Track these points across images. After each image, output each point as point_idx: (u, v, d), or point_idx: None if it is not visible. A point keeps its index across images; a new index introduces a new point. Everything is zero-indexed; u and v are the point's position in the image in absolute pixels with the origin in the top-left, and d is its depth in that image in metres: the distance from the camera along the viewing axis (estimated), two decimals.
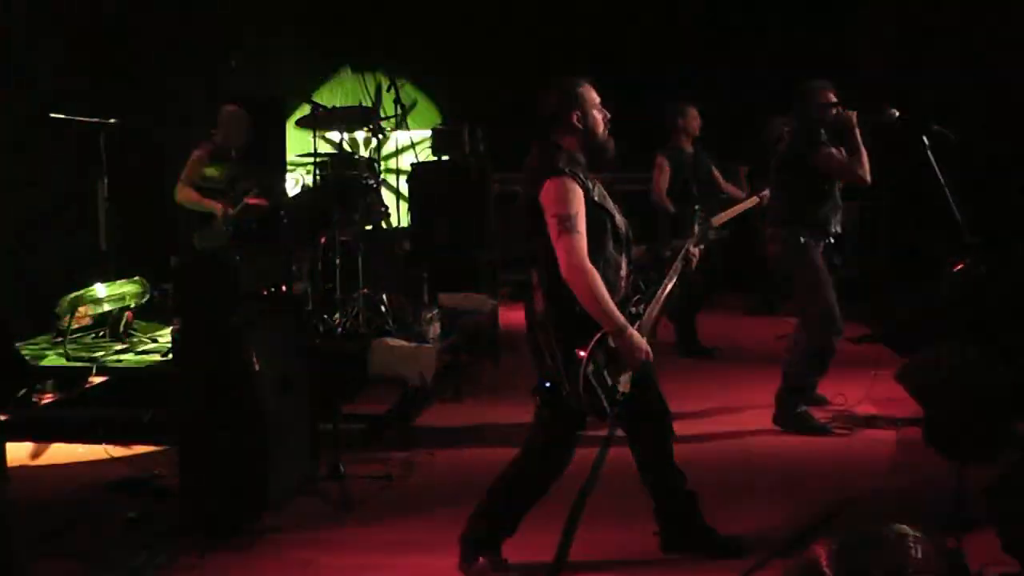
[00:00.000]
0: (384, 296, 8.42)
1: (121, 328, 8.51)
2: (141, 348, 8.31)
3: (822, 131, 7.85)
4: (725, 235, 10.31)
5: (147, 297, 8.94)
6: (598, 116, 5.34)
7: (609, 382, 5.17)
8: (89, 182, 9.29)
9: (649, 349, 5.25)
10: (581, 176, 5.18)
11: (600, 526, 6.18)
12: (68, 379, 8.36)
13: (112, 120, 8.97)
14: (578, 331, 5.12)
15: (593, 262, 5.11)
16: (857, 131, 7.75)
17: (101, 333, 8.61)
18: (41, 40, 9.73)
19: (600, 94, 5.40)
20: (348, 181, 8.67)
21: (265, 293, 6.44)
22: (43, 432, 7.66)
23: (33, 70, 9.54)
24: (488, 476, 5.68)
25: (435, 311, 8.80)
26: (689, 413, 8.30)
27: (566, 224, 5.06)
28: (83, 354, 8.09)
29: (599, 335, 5.11)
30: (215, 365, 6.05)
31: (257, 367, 6.02)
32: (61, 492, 6.75)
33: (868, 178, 7.80)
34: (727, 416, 8.50)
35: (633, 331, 5.17)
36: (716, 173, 10.86)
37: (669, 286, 5.67)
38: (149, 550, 5.68)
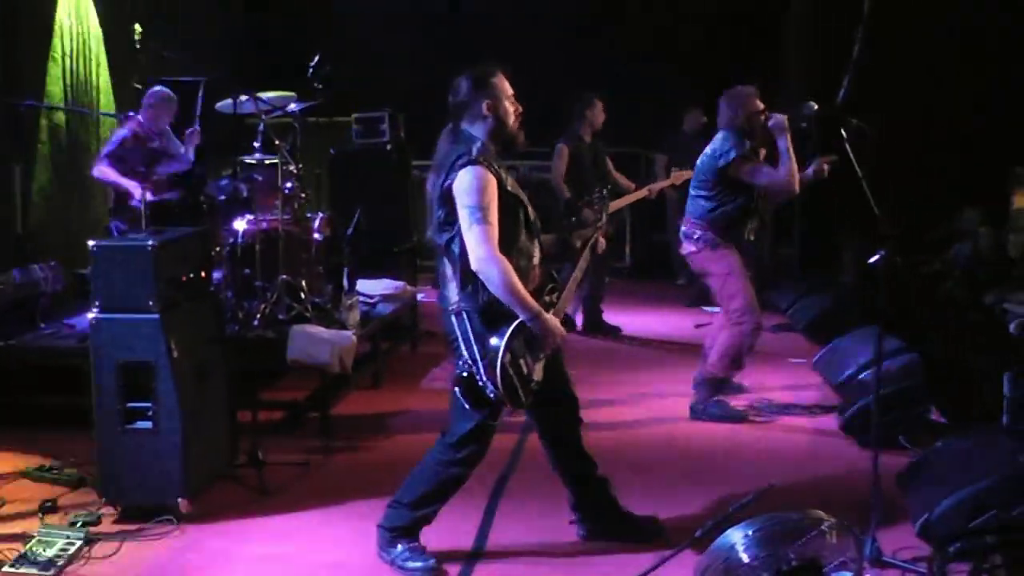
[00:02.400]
0: (303, 282, 8.37)
1: (37, 314, 8.39)
2: (57, 334, 8.20)
3: (747, 142, 7.88)
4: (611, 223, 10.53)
5: (64, 282, 8.83)
6: (509, 107, 5.34)
7: (525, 371, 5.19)
8: (5, 164, 9.15)
9: (563, 330, 5.33)
10: (494, 166, 5.19)
11: (519, 513, 6.22)
12: None
13: (29, 102, 8.84)
14: (493, 321, 5.14)
15: (507, 251, 5.13)
16: (787, 137, 7.77)
17: (17, 319, 8.48)
18: None
19: (513, 86, 5.41)
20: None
21: (184, 279, 6.38)
22: None
23: None
24: (406, 464, 5.68)
25: (355, 298, 8.76)
26: (608, 401, 8.36)
27: (477, 215, 5.06)
28: None
29: (515, 324, 5.13)
30: (133, 351, 6.00)
31: (175, 354, 5.98)
32: None
33: (796, 188, 7.86)
34: (645, 403, 8.55)
35: (548, 315, 5.22)
36: (610, 165, 11.02)
37: (580, 274, 5.72)
38: (65, 538, 5.61)
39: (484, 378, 5.11)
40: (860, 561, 4.92)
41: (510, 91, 5.36)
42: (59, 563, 5.40)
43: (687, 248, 8.10)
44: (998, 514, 5.16)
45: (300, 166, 8.77)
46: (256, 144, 8.68)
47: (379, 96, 12.19)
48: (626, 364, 9.95)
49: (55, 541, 5.58)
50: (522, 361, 5.18)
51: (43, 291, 8.50)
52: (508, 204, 5.21)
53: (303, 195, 8.76)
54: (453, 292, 5.26)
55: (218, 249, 8.11)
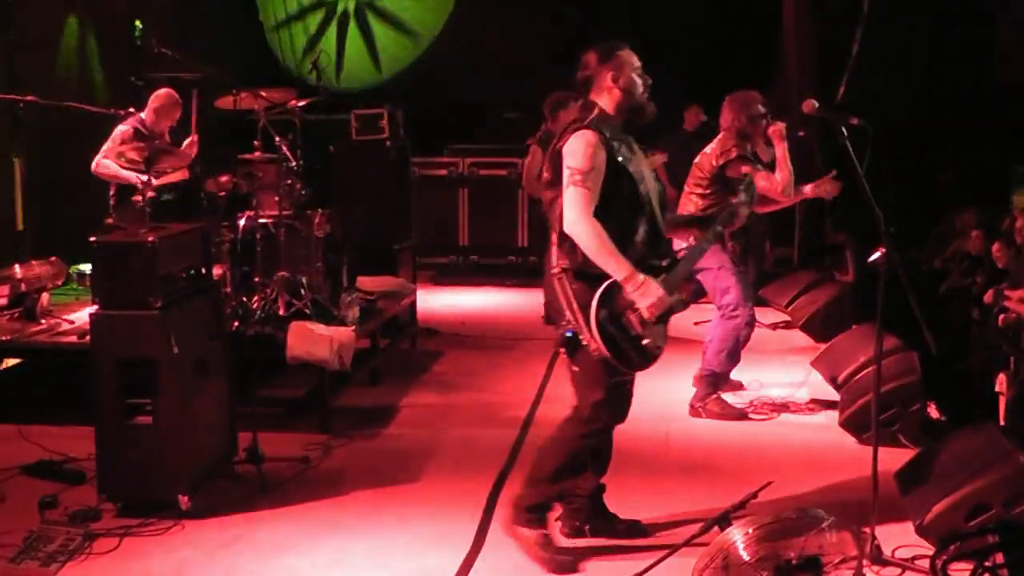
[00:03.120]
0: (303, 279, 8.36)
1: (37, 309, 8.38)
2: (57, 329, 8.19)
3: (748, 145, 7.89)
4: None
5: (64, 278, 8.82)
6: (637, 79, 5.42)
7: (631, 331, 5.19)
8: (5, 160, 9.14)
9: (667, 296, 5.20)
10: (607, 134, 5.24)
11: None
12: None
13: (29, 96, 8.83)
14: (589, 281, 5.17)
15: (604, 220, 5.14)
16: (785, 144, 7.79)
17: (16, 314, 8.48)
18: None
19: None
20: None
21: (184, 275, 6.39)
22: None
23: None
24: (405, 460, 5.70)
25: (354, 294, 8.75)
26: None
27: (576, 178, 5.13)
28: None
29: (608, 283, 5.14)
30: (133, 347, 6.00)
31: (175, 349, 5.98)
32: None
33: (791, 197, 7.87)
34: (643, 401, 8.52)
35: (643, 276, 5.16)
36: None
37: (697, 254, 5.73)
38: (65, 534, 5.61)
39: (587, 337, 5.14)
40: (860, 559, 4.93)
41: (637, 63, 5.45)
42: (59, 559, 5.41)
43: (675, 246, 8.09)
44: (1000, 513, 5.16)
45: (300, 163, 8.77)
46: (256, 141, 8.67)
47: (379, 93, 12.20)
48: None
49: (55, 537, 5.58)
50: (625, 320, 5.17)
51: (43, 287, 8.48)
52: (614, 175, 5.24)
53: (302, 192, 8.75)
54: (555, 255, 5.31)
55: (218, 245, 8.10)
